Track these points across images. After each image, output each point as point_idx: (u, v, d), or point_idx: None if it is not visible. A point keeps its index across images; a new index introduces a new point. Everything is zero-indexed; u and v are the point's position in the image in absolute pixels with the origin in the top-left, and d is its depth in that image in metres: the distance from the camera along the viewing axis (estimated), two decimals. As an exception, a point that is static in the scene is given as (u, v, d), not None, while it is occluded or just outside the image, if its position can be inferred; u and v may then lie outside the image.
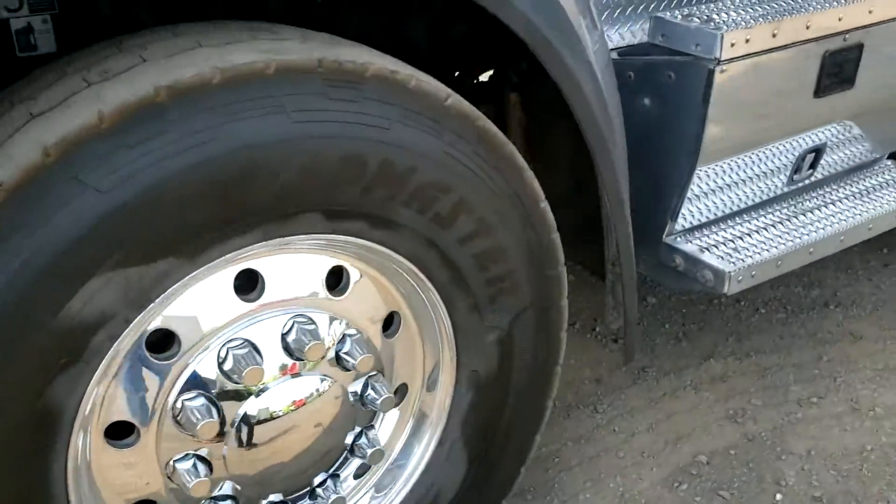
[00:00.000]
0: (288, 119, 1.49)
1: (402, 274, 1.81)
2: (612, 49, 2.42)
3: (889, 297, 3.57)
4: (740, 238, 2.54)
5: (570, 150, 2.20)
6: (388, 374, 1.92)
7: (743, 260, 2.42)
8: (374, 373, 1.85)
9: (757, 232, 2.57)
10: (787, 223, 2.63)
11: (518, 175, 1.84)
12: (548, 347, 2.08)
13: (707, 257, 2.44)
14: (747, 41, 2.23)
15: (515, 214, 1.86)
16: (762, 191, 2.62)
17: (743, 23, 2.25)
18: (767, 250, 2.48)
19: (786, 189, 2.72)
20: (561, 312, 2.07)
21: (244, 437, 1.70)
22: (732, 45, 2.21)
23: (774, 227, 2.60)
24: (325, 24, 1.79)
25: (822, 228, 2.60)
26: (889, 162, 3.06)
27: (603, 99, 1.93)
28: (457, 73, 2.65)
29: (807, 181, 2.77)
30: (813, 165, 2.74)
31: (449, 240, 1.77)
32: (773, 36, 2.29)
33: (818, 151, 2.72)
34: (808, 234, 2.57)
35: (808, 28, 2.35)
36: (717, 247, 2.49)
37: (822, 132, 2.70)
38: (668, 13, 2.34)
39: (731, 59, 2.24)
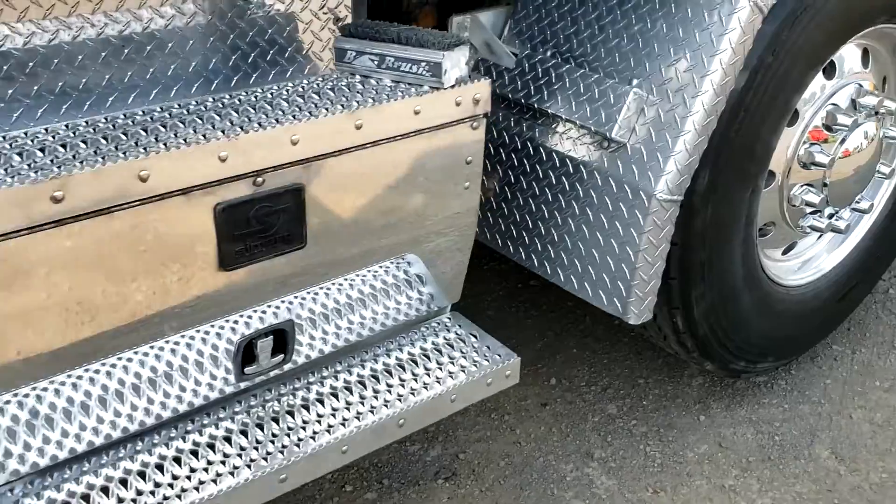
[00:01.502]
0: None
1: None
2: None
3: (524, 461, 2.74)
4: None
5: None
6: None
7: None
8: None
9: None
10: (219, 448, 1.74)
11: None
12: None
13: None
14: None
15: None
16: (165, 406, 1.73)
17: (-13, 183, 1.35)
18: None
19: (239, 387, 1.84)
20: None
21: None
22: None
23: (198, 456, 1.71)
24: None
25: (251, 464, 1.72)
26: (448, 317, 2.22)
27: None
28: None
29: (278, 371, 1.89)
30: (283, 349, 1.87)
31: None
32: (58, 200, 1.39)
33: (282, 332, 1.85)
34: (228, 477, 1.68)
35: (145, 180, 1.46)
36: (51, 514, 1.58)
37: (301, 298, 1.84)
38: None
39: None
